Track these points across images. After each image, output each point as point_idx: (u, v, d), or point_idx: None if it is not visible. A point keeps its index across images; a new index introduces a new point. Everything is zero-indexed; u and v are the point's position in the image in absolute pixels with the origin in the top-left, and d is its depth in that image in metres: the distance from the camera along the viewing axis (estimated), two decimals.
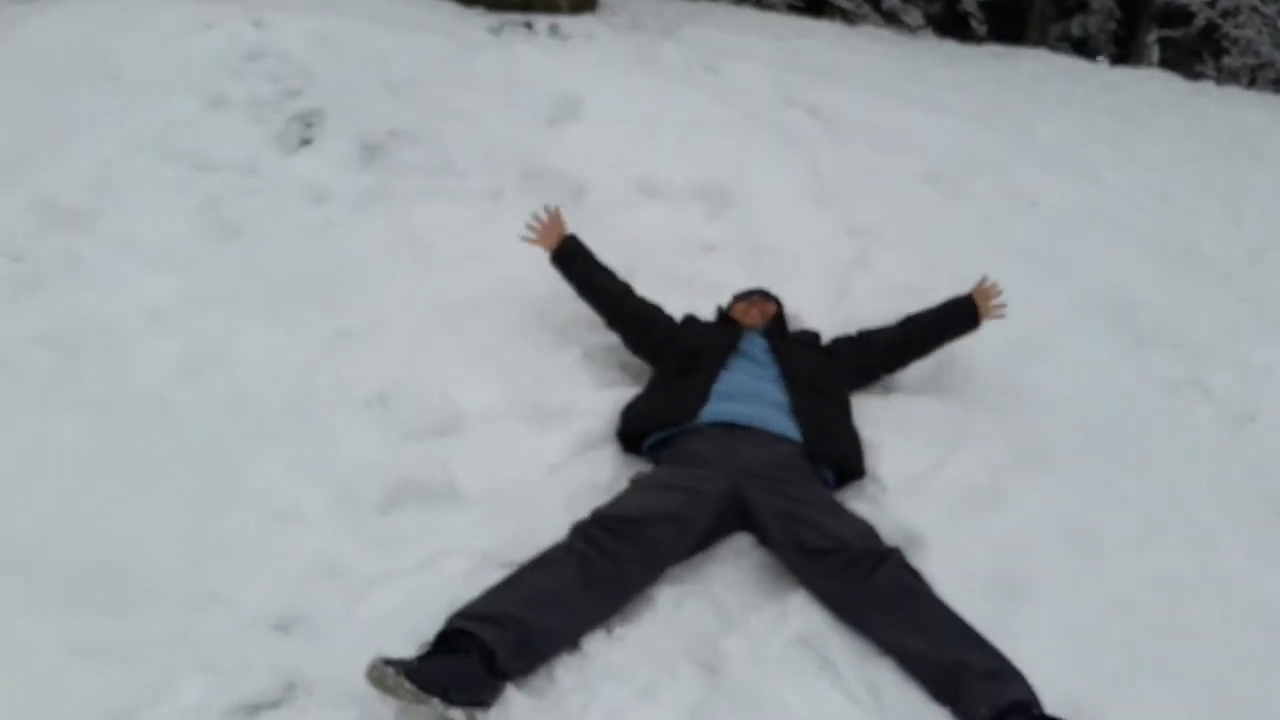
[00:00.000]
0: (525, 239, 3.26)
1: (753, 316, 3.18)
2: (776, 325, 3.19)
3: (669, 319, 3.19)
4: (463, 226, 3.75)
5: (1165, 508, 2.89)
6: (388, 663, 1.87)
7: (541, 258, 3.33)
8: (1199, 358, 3.72)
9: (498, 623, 2.03)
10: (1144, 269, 4.36)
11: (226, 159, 3.90)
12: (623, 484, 2.59)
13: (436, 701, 1.88)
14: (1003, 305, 3.13)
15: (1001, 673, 2.05)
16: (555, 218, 3.30)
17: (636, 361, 3.20)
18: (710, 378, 2.82)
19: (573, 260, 3.25)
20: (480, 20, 6.15)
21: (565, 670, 2.12)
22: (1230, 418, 3.43)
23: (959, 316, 3.15)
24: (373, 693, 1.90)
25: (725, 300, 3.36)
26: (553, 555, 2.23)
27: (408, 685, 1.85)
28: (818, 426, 2.72)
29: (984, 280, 3.15)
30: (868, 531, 2.41)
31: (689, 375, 2.85)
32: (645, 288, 3.51)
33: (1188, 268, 4.57)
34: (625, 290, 3.23)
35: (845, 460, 2.73)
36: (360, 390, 2.87)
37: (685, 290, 3.55)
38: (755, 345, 3.00)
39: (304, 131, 4.19)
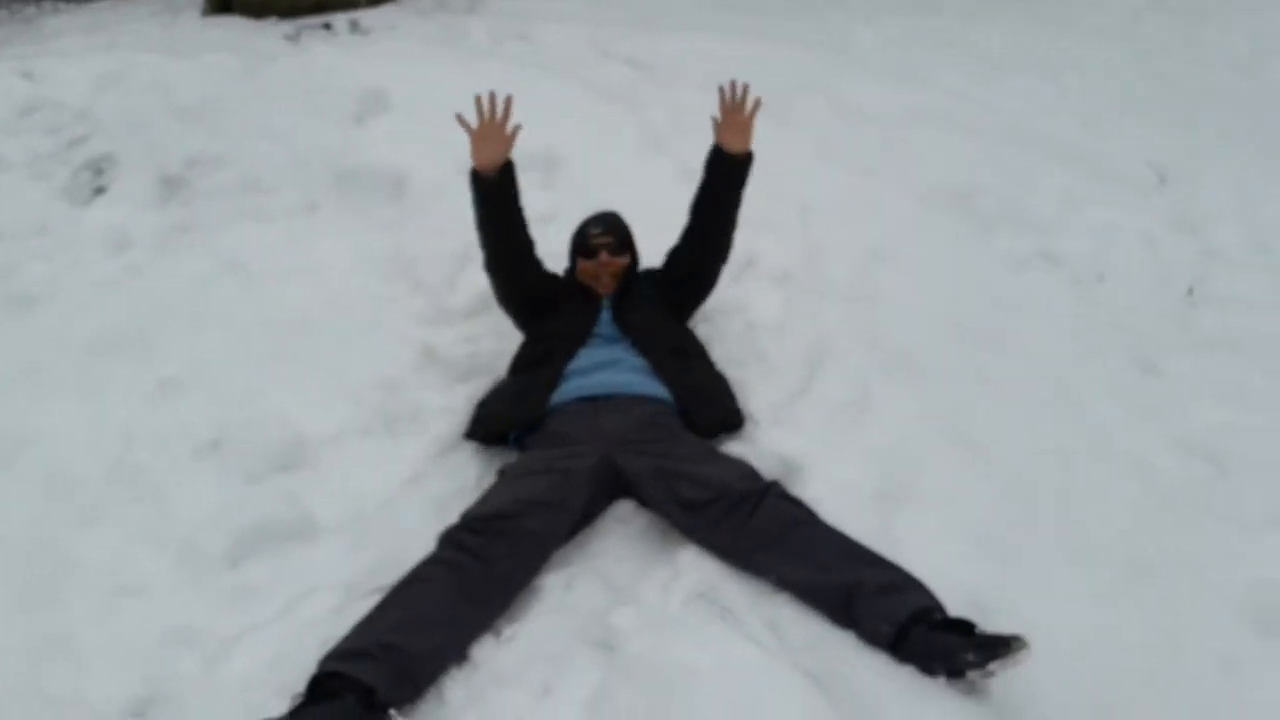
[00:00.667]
0: (460, 120, 2.73)
1: (605, 285, 2.98)
2: (625, 286, 3.00)
3: (554, 282, 3.01)
4: (279, 245, 3.53)
5: (1035, 384, 2.89)
6: None
7: (364, 256, 3.15)
8: (1044, 231, 3.75)
9: (371, 656, 1.88)
10: (979, 157, 4.37)
11: (10, 224, 3.60)
12: (490, 481, 2.45)
13: None
14: (740, 100, 2.82)
15: (897, 584, 1.99)
16: (508, 115, 2.74)
17: (484, 348, 3.04)
18: (562, 364, 2.68)
19: (504, 192, 2.80)
20: (275, 30, 5.87)
21: (455, 686, 1.98)
22: (1081, 282, 3.47)
23: (717, 167, 2.90)
24: None
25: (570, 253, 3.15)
26: (422, 571, 2.08)
27: None
28: (690, 392, 2.63)
29: (722, 96, 2.84)
30: (746, 472, 2.33)
31: (543, 365, 2.71)
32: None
33: (1022, 147, 4.59)
34: (530, 242, 2.93)
35: (726, 423, 2.64)
36: (189, 441, 2.64)
37: None
38: (604, 317, 2.86)
39: (95, 180, 3.90)
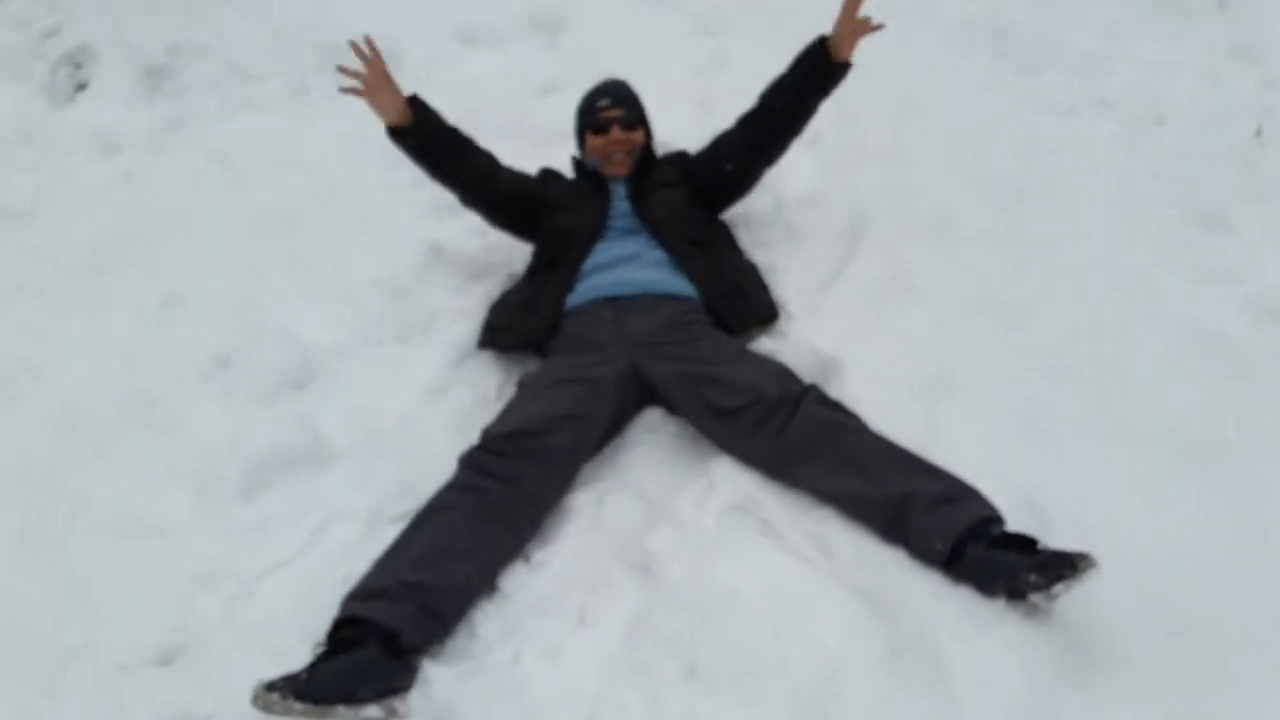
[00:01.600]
0: (345, 90, 2.54)
1: (618, 165, 2.75)
2: (641, 165, 2.76)
3: (534, 186, 2.77)
4: (272, 136, 3.34)
5: (1085, 246, 2.69)
6: (271, 687, 1.63)
7: (360, 143, 2.92)
8: (1090, 70, 3.46)
9: (391, 596, 1.79)
10: None
11: None
12: (512, 392, 2.32)
13: (341, 708, 1.65)
14: (867, 19, 2.49)
15: (950, 495, 1.84)
16: (376, 61, 2.52)
17: (497, 240, 2.85)
18: (575, 267, 2.49)
19: (423, 132, 2.59)
20: None
21: (486, 619, 1.89)
22: (1133, 127, 3.20)
23: (812, 64, 2.57)
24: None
25: (575, 141, 2.94)
26: (443, 499, 1.97)
27: (298, 705, 1.62)
28: (722, 289, 2.44)
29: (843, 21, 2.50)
30: (780, 372, 2.17)
31: (555, 269, 2.52)
32: (485, 144, 3.14)
33: None
34: (489, 162, 2.71)
35: (762, 319, 2.46)
36: (197, 361, 2.53)
37: (530, 140, 3.18)
38: (619, 205, 2.65)
39: (75, 75, 3.66)
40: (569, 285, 2.46)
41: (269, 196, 3.09)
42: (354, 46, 2.52)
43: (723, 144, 2.71)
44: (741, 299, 2.45)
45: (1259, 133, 3.15)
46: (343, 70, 2.51)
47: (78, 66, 3.64)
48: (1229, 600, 1.72)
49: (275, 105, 3.43)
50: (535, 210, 2.69)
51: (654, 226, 2.56)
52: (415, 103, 2.59)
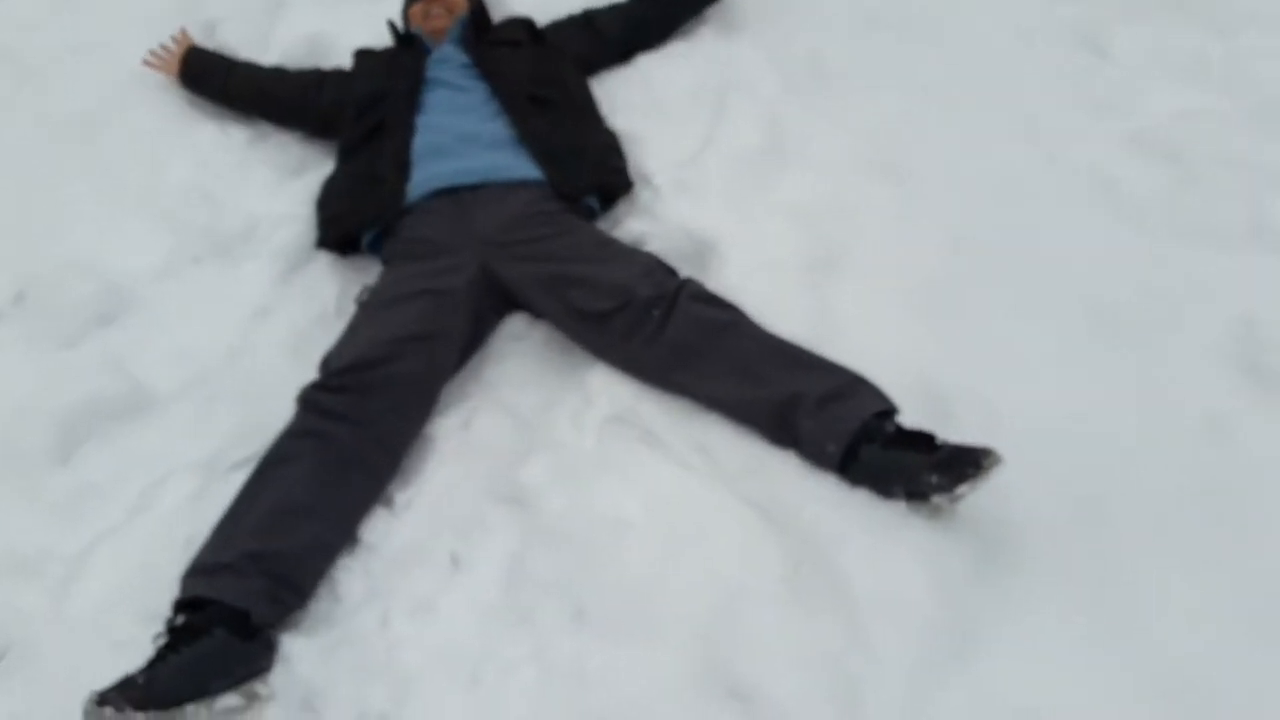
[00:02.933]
0: (146, 64, 2.66)
1: (435, 19, 2.47)
2: (473, 23, 2.49)
3: (336, 77, 2.50)
4: (46, 15, 2.85)
5: (974, 84, 2.48)
6: (103, 699, 1.41)
7: (150, 12, 2.60)
8: None
9: (235, 570, 1.58)
10: None
11: None
12: (352, 305, 2.06)
13: (191, 707, 1.47)
14: None
15: (840, 390, 1.68)
16: (181, 38, 2.69)
17: None
18: (405, 135, 2.20)
19: (201, 75, 2.62)
20: None
21: (349, 577, 1.69)
22: None
23: None
24: None
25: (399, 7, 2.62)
26: (282, 449, 1.73)
27: (139, 716, 1.42)
28: (559, 153, 2.16)
29: None
30: (650, 266, 1.95)
31: (378, 139, 2.22)
32: (302, 12, 2.92)
33: None
34: (273, 78, 2.57)
35: (603, 183, 2.21)
36: None
37: None
38: (449, 63, 2.36)
39: None
40: (406, 149, 2.18)
41: (61, 94, 2.65)
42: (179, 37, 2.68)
43: (600, 29, 2.56)
44: (578, 162, 2.18)
45: None
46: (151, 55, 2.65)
47: None
48: (1135, 479, 1.63)
49: None
50: (333, 102, 2.44)
51: (494, 80, 2.29)
52: (193, 51, 2.65)
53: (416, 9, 2.53)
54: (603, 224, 2.21)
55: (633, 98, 2.44)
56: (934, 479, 1.53)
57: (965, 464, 1.51)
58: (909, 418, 1.68)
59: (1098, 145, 2.26)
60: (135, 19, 2.72)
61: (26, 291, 2.21)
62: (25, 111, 2.61)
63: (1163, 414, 1.72)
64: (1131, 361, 1.81)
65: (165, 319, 2.14)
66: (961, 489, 1.51)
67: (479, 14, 2.54)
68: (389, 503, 1.80)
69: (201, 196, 2.35)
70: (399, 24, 2.57)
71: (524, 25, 2.52)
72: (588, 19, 2.57)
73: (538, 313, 2.02)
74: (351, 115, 2.32)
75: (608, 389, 1.88)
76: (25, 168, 2.47)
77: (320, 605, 1.67)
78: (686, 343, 1.80)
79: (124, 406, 1.99)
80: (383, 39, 2.56)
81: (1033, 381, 1.78)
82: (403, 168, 2.14)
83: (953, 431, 1.62)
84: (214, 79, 2.59)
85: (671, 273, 1.94)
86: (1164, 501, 1.60)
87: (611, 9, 2.60)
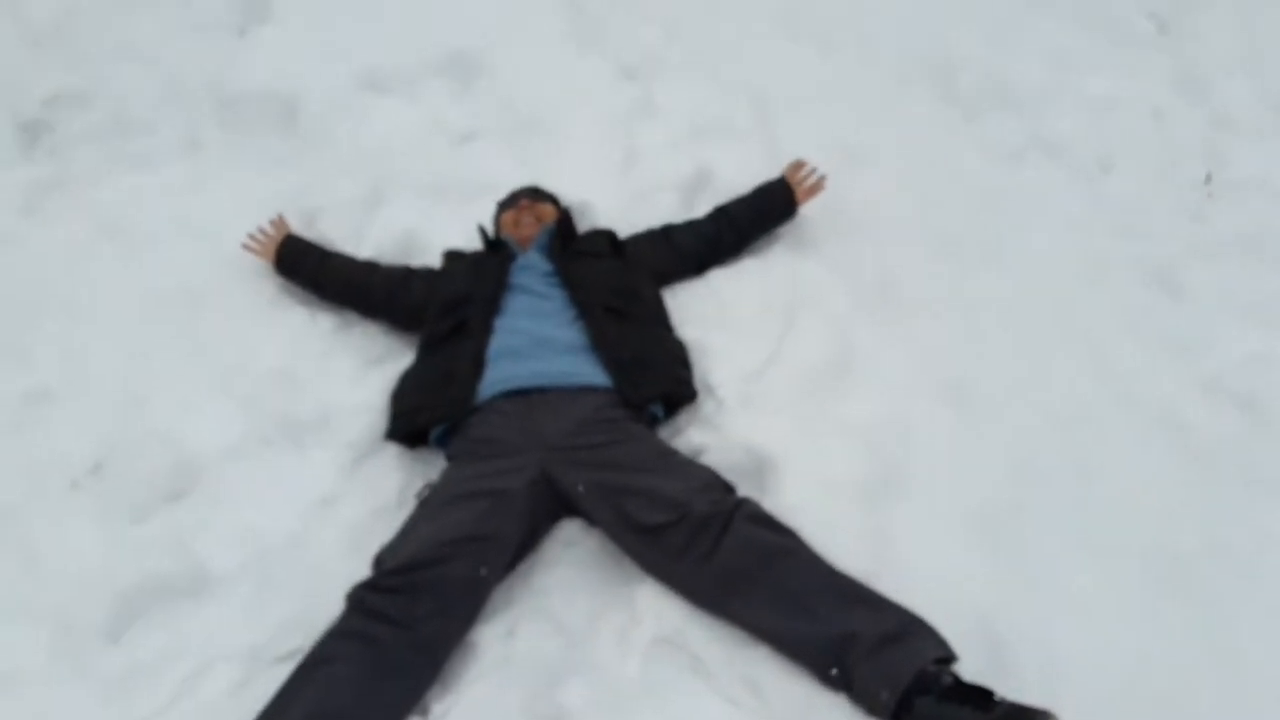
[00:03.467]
0: (245, 247, 2.76)
1: (525, 228, 2.60)
2: (559, 233, 2.60)
3: (424, 275, 2.61)
4: (162, 195, 3.05)
5: (1038, 313, 2.53)
6: None
7: (256, 205, 2.76)
8: (1035, 110, 3.29)
9: None
10: (954, 11, 3.82)
11: None
12: (412, 505, 2.08)
13: None
14: (818, 180, 2.74)
15: (897, 633, 1.64)
16: (279, 224, 2.80)
17: None
18: (483, 337, 2.27)
19: (296, 262, 2.71)
20: None
21: None
22: (1083, 175, 3.04)
23: (775, 205, 2.73)
24: None
25: (491, 212, 2.78)
26: (327, 650, 1.73)
27: None
28: (627, 362, 2.21)
29: (795, 166, 2.76)
30: (708, 481, 1.95)
31: (458, 339, 2.30)
32: (400, 210, 2.93)
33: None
34: (364, 271, 2.66)
35: (667, 392, 2.24)
36: (66, 469, 2.26)
37: (449, 199, 2.96)
38: (533, 270, 2.46)
39: None
40: (483, 349, 2.25)
41: (162, 271, 2.81)
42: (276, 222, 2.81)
43: (676, 242, 2.67)
44: (645, 371, 2.21)
45: (1208, 179, 3.01)
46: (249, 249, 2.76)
47: None
48: None
49: (167, 161, 3.14)
50: (419, 302, 2.53)
51: (575, 290, 2.37)
52: (290, 240, 2.75)
53: (509, 216, 2.67)
54: (664, 432, 2.23)
55: (704, 310, 2.50)
56: None
57: None
58: (966, 660, 1.63)
59: (1168, 386, 2.26)
60: (242, 204, 2.89)
61: (104, 463, 2.28)
62: (129, 284, 2.76)
63: (1237, 677, 1.64)
64: (1200, 618, 1.73)
65: (233, 499, 2.18)
66: None
67: (565, 224, 2.65)
68: (425, 712, 1.76)
69: (283, 380, 2.43)
70: (489, 228, 2.70)
71: (606, 237, 2.63)
72: (666, 234, 2.67)
73: (593, 520, 2.02)
74: (435, 313, 2.41)
75: (656, 607, 1.86)
76: (122, 338, 2.59)
77: None
78: (739, 567, 1.77)
79: (182, 587, 2.01)
80: (473, 240, 2.69)
81: (1094, 631, 1.73)
82: (477, 367, 2.21)
83: (1012, 681, 1.57)
84: (307, 267, 2.68)
85: (729, 490, 1.94)
86: None
87: (689, 225, 2.69)
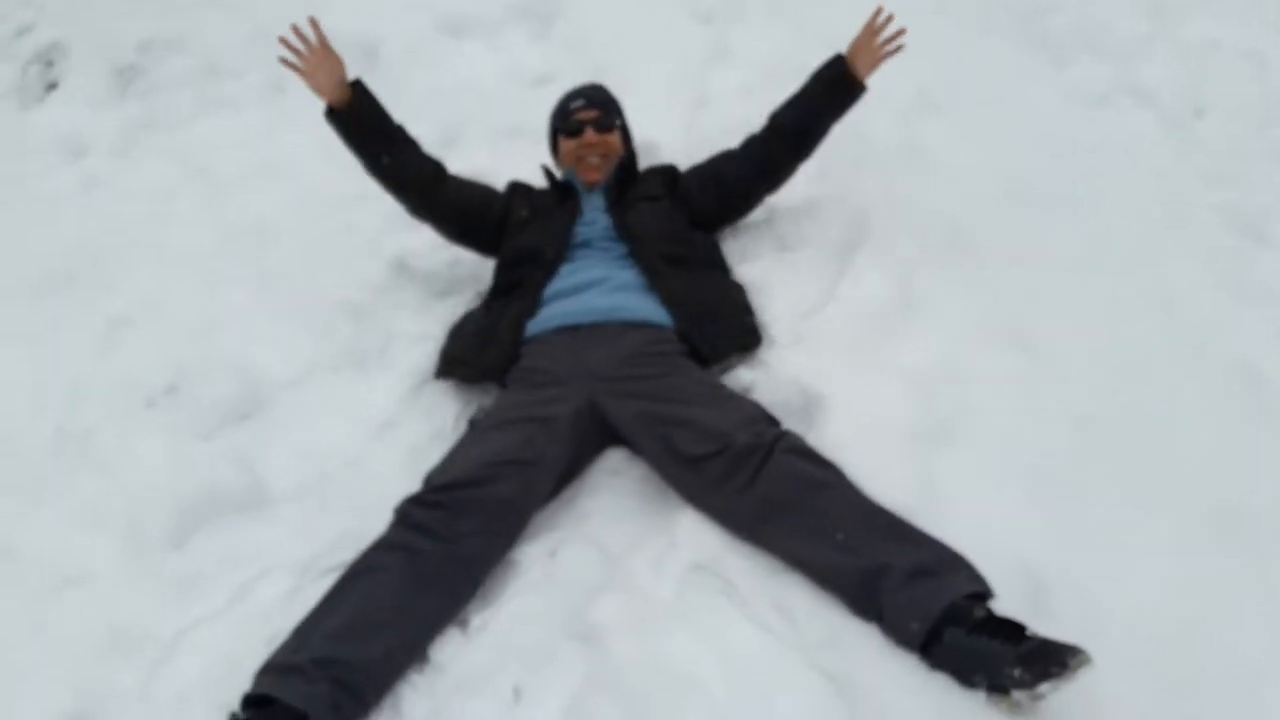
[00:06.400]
0: (285, 63, 2.38)
1: (591, 171, 2.57)
2: (621, 175, 2.56)
3: (487, 197, 2.57)
4: (248, 137, 3.16)
5: (1114, 262, 2.42)
6: None
7: (334, 146, 2.75)
8: (1129, 56, 3.15)
9: (304, 674, 1.61)
10: None
11: None
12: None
13: None
14: (894, 37, 2.39)
15: (932, 566, 1.61)
16: (320, 37, 2.37)
17: (467, 255, 2.66)
18: (537, 292, 2.30)
19: (360, 116, 2.41)
20: None
21: (414, 694, 1.70)
22: (1172, 121, 2.90)
23: (829, 87, 2.45)
24: None
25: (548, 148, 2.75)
26: (372, 559, 1.78)
27: None
28: (693, 308, 2.21)
29: (868, 27, 2.40)
30: (753, 415, 1.94)
31: (514, 296, 2.33)
32: (474, 150, 2.96)
33: None
34: (434, 168, 2.52)
35: (742, 346, 2.22)
36: (141, 389, 2.37)
37: (522, 141, 2.99)
38: (595, 226, 2.44)
39: (46, 73, 3.52)
40: (530, 311, 2.26)
41: (242, 208, 2.92)
42: (295, 30, 2.37)
43: (722, 164, 2.54)
44: (716, 325, 2.21)
45: None
46: (283, 42, 2.35)
47: (49, 65, 3.49)
48: (1253, 704, 1.47)
49: (251, 105, 3.26)
50: (492, 225, 2.51)
51: (633, 243, 2.35)
52: (357, 86, 2.42)
53: (570, 148, 2.60)
54: (714, 369, 2.22)
55: (763, 248, 2.48)
56: (1016, 673, 1.43)
57: (1052, 661, 1.41)
58: (1004, 604, 1.59)
59: (1245, 337, 2.14)
60: (320, 147, 2.96)
61: (178, 385, 2.39)
62: (209, 221, 2.88)
63: None
64: (1256, 572, 1.65)
65: (296, 422, 2.26)
66: (1044, 687, 1.41)
67: (629, 160, 2.61)
68: (464, 624, 1.80)
69: (349, 311, 2.50)
70: (551, 170, 2.65)
71: (663, 176, 2.59)
72: (716, 167, 2.55)
73: (637, 450, 2.03)
74: (504, 262, 2.45)
75: (695, 535, 1.86)
76: (198, 272, 2.71)
77: (382, 717, 1.68)
78: (778, 497, 1.77)
79: (243, 501, 2.10)
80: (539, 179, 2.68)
81: (1143, 580, 1.66)
82: (522, 320, 2.24)
83: (1049, 624, 1.52)
84: (377, 128, 2.44)
85: (773, 423, 1.92)
86: None
87: (741, 148, 2.55)
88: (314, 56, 2.36)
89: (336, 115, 2.42)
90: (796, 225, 2.54)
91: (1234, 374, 2.06)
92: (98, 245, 2.81)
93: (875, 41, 2.41)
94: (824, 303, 2.30)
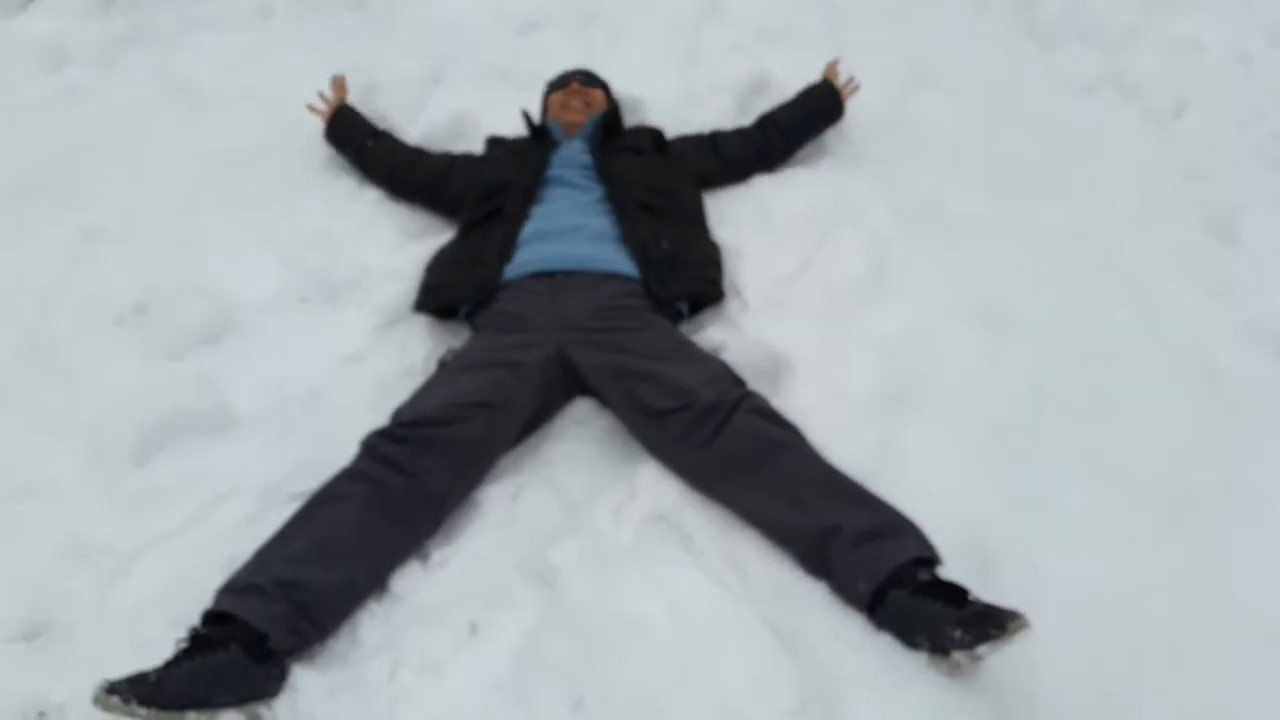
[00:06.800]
0: (311, 109, 2.80)
1: (572, 113, 2.61)
2: (605, 123, 2.61)
3: (465, 164, 2.65)
4: (233, 59, 3.13)
5: (1086, 249, 2.47)
6: (112, 688, 1.47)
7: (319, 75, 2.77)
8: (1116, 48, 3.17)
9: (264, 594, 1.63)
10: None
11: None
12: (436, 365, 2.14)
13: (192, 714, 1.51)
14: (849, 81, 2.77)
15: (882, 529, 1.65)
16: (339, 85, 2.84)
17: None
18: (517, 223, 2.31)
19: (344, 133, 2.77)
20: None
21: (371, 622, 1.73)
22: (1154, 116, 2.94)
23: (822, 107, 2.76)
24: None
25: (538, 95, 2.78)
26: (336, 488, 1.80)
27: (141, 711, 1.47)
28: (655, 258, 2.23)
29: (831, 66, 2.80)
30: (719, 374, 1.97)
31: (492, 223, 2.34)
32: (458, 89, 2.94)
33: None
34: (406, 161, 2.71)
35: (694, 292, 2.25)
36: (111, 305, 2.36)
37: (505, 85, 2.98)
38: (573, 163, 2.47)
39: None
40: (510, 246, 2.27)
41: (222, 130, 2.89)
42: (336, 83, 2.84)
43: (719, 138, 2.69)
44: (674, 271, 2.23)
45: None
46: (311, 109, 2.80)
47: None
48: (1179, 684, 1.53)
49: (237, 26, 3.21)
50: (459, 191, 2.57)
51: (610, 185, 2.38)
52: (342, 110, 2.80)
53: (558, 97, 2.68)
54: (685, 328, 2.25)
55: (744, 214, 2.50)
56: (957, 634, 1.47)
57: (990, 624, 1.45)
58: (951, 570, 1.63)
59: (1206, 329, 2.20)
60: (304, 74, 2.94)
61: (149, 302, 2.37)
62: (188, 143, 2.84)
63: (1224, 617, 1.62)
64: (1198, 554, 1.71)
65: (264, 348, 2.26)
66: (983, 649, 1.45)
67: (612, 117, 2.65)
68: (425, 558, 1.83)
69: (324, 242, 2.49)
70: (534, 115, 2.70)
71: (651, 135, 2.63)
72: (713, 140, 2.68)
73: (604, 401, 2.06)
74: (474, 199, 2.45)
75: (655, 487, 1.89)
76: (175, 193, 2.68)
77: (338, 644, 1.70)
78: (737, 454, 1.80)
79: (207, 423, 2.10)
80: (521, 129, 2.69)
81: (1087, 554, 1.72)
82: (505, 252, 2.25)
83: (993, 591, 1.56)
84: (354, 142, 2.75)
85: (739, 383, 1.95)
86: (1207, 714, 1.50)
87: (737, 133, 2.71)
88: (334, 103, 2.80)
89: (327, 134, 2.78)
90: (779, 193, 2.56)
91: (1192, 364, 2.12)
92: (74, 156, 2.78)
93: (838, 84, 2.77)
94: (801, 270, 2.33)
